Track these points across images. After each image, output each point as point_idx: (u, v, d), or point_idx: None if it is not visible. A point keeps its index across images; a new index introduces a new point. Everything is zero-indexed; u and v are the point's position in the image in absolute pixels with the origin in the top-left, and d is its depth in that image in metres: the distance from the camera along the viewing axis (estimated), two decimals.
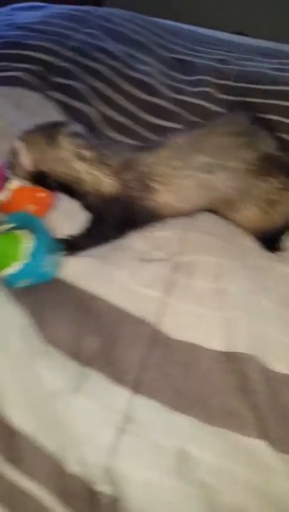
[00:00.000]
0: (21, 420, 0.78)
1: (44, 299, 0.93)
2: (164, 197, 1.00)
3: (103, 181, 0.98)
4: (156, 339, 0.89)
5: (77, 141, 0.98)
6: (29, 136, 0.99)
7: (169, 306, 0.94)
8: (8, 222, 0.96)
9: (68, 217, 1.06)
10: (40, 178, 1.00)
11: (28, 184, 1.02)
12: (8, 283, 0.91)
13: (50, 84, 1.42)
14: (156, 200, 1.00)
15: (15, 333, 0.86)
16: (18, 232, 0.93)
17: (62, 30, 1.59)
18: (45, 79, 1.42)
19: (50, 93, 1.39)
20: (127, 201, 0.99)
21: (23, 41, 1.53)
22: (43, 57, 1.48)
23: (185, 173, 0.98)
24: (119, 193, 0.99)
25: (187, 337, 0.89)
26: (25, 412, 0.79)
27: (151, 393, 0.82)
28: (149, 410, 0.81)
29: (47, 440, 0.77)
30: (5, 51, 1.50)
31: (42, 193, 1.04)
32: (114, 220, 1.02)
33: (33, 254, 0.90)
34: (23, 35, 1.56)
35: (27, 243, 0.91)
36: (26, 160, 0.98)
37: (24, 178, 1.01)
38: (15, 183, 1.03)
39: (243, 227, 1.09)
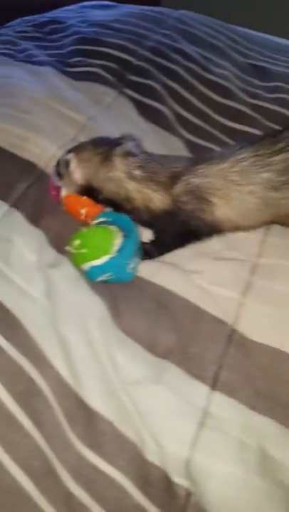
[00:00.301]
0: (101, 405, 0.83)
1: (121, 292, 0.98)
2: (223, 211, 1.02)
3: (153, 198, 1.03)
4: (234, 339, 0.93)
5: (131, 160, 1.03)
6: (84, 151, 1.05)
7: (247, 307, 0.97)
8: (100, 217, 1.01)
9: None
10: (89, 192, 1.06)
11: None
12: (90, 275, 0.97)
13: (126, 81, 1.48)
14: (214, 213, 1.02)
15: (94, 321, 0.91)
16: (114, 227, 0.98)
17: (139, 30, 1.67)
18: (121, 76, 1.49)
19: (126, 91, 1.45)
20: (180, 215, 1.03)
21: (100, 38, 1.60)
22: (120, 55, 1.55)
23: (247, 189, 1.00)
24: (171, 207, 1.02)
25: (268, 341, 0.92)
26: (105, 397, 0.84)
27: (230, 391, 0.86)
28: (228, 408, 0.84)
29: (126, 427, 0.82)
30: (81, 47, 1.58)
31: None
32: (172, 233, 1.06)
33: (122, 251, 0.95)
34: (99, 32, 1.64)
35: (118, 239, 0.96)
36: (78, 175, 1.04)
37: (73, 190, 1.07)
38: (63, 192, 1.08)
39: None
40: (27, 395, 0.82)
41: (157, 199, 1.02)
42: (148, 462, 0.80)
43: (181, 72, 1.52)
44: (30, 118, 1.22)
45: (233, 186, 1.00)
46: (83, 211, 1.06)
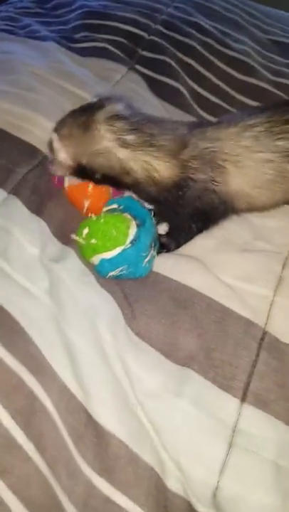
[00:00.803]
0: (113, 422, 0.72)
1: (135, 289, 0.87)
2: (237, 180, 0.88)
3: (155, 166, 0.86)
4: (265, 342, 0.82)
5: (118, 124, 0.85)
6: (63, 126, 0.88)
7: (280, 306, 0.86)
8: (111, 203, 0.90)
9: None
10: (83, 172, 0.90)
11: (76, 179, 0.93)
12: (100, 269, 0.85)
13: (138, 57, 1.36)
14: (229, 183, 0.88)
15: (105, 323, 0.80)
16: (127, 215, 0.86)
17: (151, 3, 1.54)
18: (132, 52, 1.37)
19: (137, 67, 1.33)
20: (190, 188, 0.87)
21: (109, 12, 1.48)
22: (131, 29, 1.42)
23: (262, 157, 0.88)
24: (181, 176, 0.87)
25: None
26: (117, 413, 0.73)
27: (263, 404, 0.75)
28: (261, 423, 0.73)
29: (143, 449, 0.71)
30: (88, 21, 1.45)
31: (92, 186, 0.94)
32: (184, 214, 0.91)
33: (136, 242, 0.83)
34: (107, 6, 1.52)
35: (133, 228, 0.83)
36: (63, 155, 0.88)
37: (65, 174, 0.92)
38: (67, 181, 0.94)
39: None
40: (27, 411, 0.70)
41: (162, 167, 0.86)
42: (168, 490, 0.69)
43: (198, 47, 1.40)
44: (32, 96, 1.10)
45: (246, 153, 0.88)
46: (86, 203, 0.93)
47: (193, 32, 1.44)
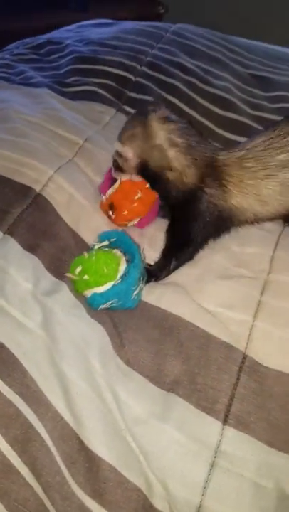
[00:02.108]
0: (103, 448, 0.75)
1: (124, 319, 0.91)
2: (237, 199, 0.98)
3: (187, 171, 0.97)
4: (246, 366, 0.85)
5: (169, 126, 0.97)
6: (125, 132, 1.00)
7: (259, 330, 0.89)
8: (101, 240, 0.95)
9: (152, 246, 1.05)
10: (145, 170, 1.00)
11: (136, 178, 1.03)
12: (92, 302, 0.89)
13: (125, 98, 1.43)
14: (230, 202, 0.98)
15: (95, 353, 0.84)
16: (117, 251, 0.91)
17: (137, 46, 1.61)
18: (120, 93, 1.44)
19: (125, 108, 1.40)
20: (202, 199, 0.98)
21: (97, 56, 1.55)
22: (118, 72, 1.49)
23: (263, 174, 0.96)
24: (197, 186, 0.97)
25: (283, 366, 0.84)
26: (106, 440, 0.76)
27: (244, 426, 0.78)
28: (241, 445, 0.76)
29: (131, 471, 0.74)
30: (78, 66, 1.53)
31: (148, 186, 1.04)
32: (195, 215, 0.99)
33: (126, 278, 0.88)
34: (96, 51, 1.59)
35: (123, 265, 0.89)
36: (130, 155, 0.98)
37: (133, 172, 1.02)
38: (125, 177, 1.04)
39: None
40: (23, 439, 0.74)
41: (189, 173, 0.97)
42: (155, 510, 0.72)
43: (181, 86, 1.46)
44: (26, 142, 1.16)
45: (247, 173, 0.97)
46: (139, 194, 1.03)
47: (177, 72, 1.51)
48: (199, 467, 0.73)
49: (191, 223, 1.00)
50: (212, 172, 0.98)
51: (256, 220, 1.04)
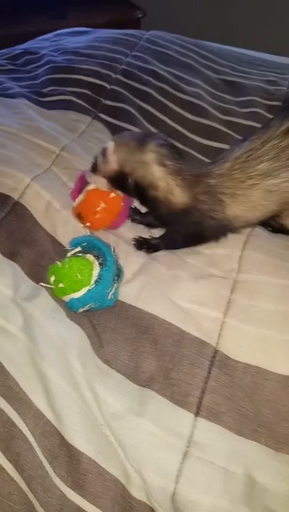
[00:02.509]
0: (83, 443, 0.79)
1: (102, 320, 0.95)
2: (232, 208, 1.04)
3: (175, 191, 1.02)
4: (216, 360, 0.89)
5: (164, 150, 1.02)
6: (122, 138, 1.06)
7: (230, 326, 0.94)
8: (73, 246, 0.98)
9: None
10: (119, 180, 1.05)
11: (103, 187, 1.08)
12: (71, 306, 0.93)
13: (101, 106, 1.47)
14: (226, 213, 1.04)
15: (74, 354, 0.87)
16: (90, 256, 0.95)
17: (111, 54, 1.66)
18: (95, 102, 1.48)
19: (101, 115, 1.44)
20: (194, 215, 1.04)
21: (73, 65, 1.59)
22: (93, 80, 1.53)
23: (248, 184, 1.02)
24: (190, 205, 1.03)
25: (251, 359, 0.88)
26: (86, 434, 0.80)
27: (215, 416, 0.82)
28: (212, 434, 0.81)
29: (110, 463, 0.78)
30: (54, 76, 1.56)
31: (113, 194, 1.09)
32: (182, 231, 1.07)
33: (100, 282, 0.92)
34: (72, 60, 1.63)
35: (96, 269, 0.93)
36: (113, 158, 1.03)
37: (106, 176, 1.06)
38: (91, 186, 1.09)
39: None
40: (6, 437, 0.77)
41: (178, 193, 1.02)
42: (133, 498, 0.76)
43: (154, 93, 1.51)
44: (4, 152, 1.19)
45: (236, 184, 1.02)
46: (102, 205, 1.07)
47: (150, 79, 1.56)
48: (173, 457, 0.77)
49: (179, 237, 1.08)
50: (206, 189, 1.03)
51: (246, 225, 1.11)
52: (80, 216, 1.09)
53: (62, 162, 1.23)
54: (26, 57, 1.71)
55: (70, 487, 0.76)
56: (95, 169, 1.07)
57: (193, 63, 1.69)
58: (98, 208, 1.08)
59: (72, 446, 0.78)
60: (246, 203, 1.03)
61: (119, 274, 0.98)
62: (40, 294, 0.96)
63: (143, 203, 1.10)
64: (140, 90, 1.52)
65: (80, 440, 0.79)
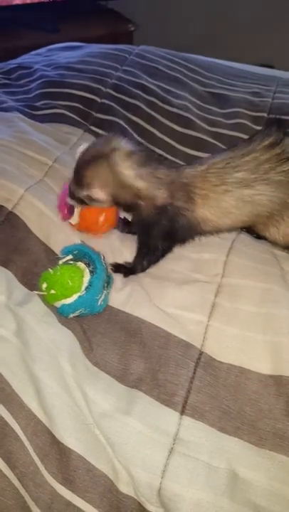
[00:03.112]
0: (73, 442, 0.82)
1: (92, 324, 0.99)
2: (202, 210, 1.06)
3: (156, 195, 1.04)
4: (201, 361, 0.93)
5: (133, 159, 1.02)
6: (93, 171, 1.03)
7: (214, 329, 0.97)
8: (65, 254, 1.02)
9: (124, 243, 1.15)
10: (117, 202, 1.08)
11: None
12: (62, 312, 0.97)
13: (92, 119, 1.51)
14: (196, 212, 1.06)
15: (65, 357, 0.91)
16: (80, 264, 0.98)
17: (102, 69, 1.70)
18: (86, 115, 1.52)
19: (92, 128, 1.49)
20: (173, 211, 1.05)
21: (64, 80, 1.64)
22: (84, 94, 1.58)
23: (222, 189, 1.04)
24: (168, 201, 1.05)
25: (234, 360, 0.92)
26: (76, 433, 0.83)
27: (199, 415, 0.86)
28: (197, 432, 0.84)
29: (98, 460, 0.81)
30: (47, 90, 1.61)
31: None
32: (159, 231, 1.07)
33: (90, 289, 0.95)
34: (64, 74, 1.67)
35: (86, 276, 0.96)
36: (101, 195, 1.04)
37: (109, 206, 1.09)
38: (77, 209, 1.12)
39: (281, 244, 1.14)
40: None
41: (160, 196, 1.04)
42: (121, 493, 0.79)
43: (143, 106, 1.55)
44: None
45: (210, 187, 1.04)
46: (102, 217, 1.11)
47: (139, 93, 1.60)
48: (159, 453, 0.81)
49: (158, 233, 1.08)
50: (179, 186, 1.05)
51: (216, 231, 1.12)
52: (87, 230, 1.14)
53: (55, 173, 1.27)
54: (20, 72, 1.76)
55: (60, 483, 0.79)
56: (73, 196, 1.07)
57: (180, 76, 1.74)
58: (101, 219, 1.12)
59: (62, 444, 0.82)
60: (217, 207, 1.05)
61: (108, 281, 1.01)
62: (32, 300, 0.99)
63: (127, 210, 1.12)
64: (130, 103, 1.57)
65: (70, 438, 0.82)
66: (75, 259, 1.01)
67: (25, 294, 1.01)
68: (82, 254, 1.01)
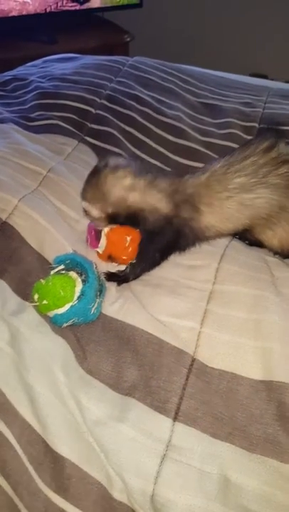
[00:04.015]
0: (67, 450, 0.83)
1: (86, 333, 0.99)
2: (207, 218, 1.08)
3: (158, 206, 1.05)
4: (194, 368, 0.93)
5: (122, 173, 1.04)
6: (87, 193, 1.08)
7: (206, 335, 0.98)
8: (57, 263, 1.02)
9: None
10: (114, 218, 1.09)
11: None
12: (55, 321, 0.97)
13: (87, 130, 1.53)
14: (200, 220, 1.07)
15: (58, 366, 0.92)
16: (72, 273, 0.99)
17: (96, 80, 1.73)
18: (81, 125, 1.54)
19: (87, 138, 1.50)
20: (179, 223, 1.07)
21: (59, 91, 1.66)
22: (79, 105, 1.59)
23: (224, 195, 1.06)
24: (173, 212, 1.06)
25: (226, 366, 0.92)
26: (70, 441, 0.84)
27: (192, 421, 0.86)
28: (189, 438, 0.84)
29: (92, 468, 0.82)
30: (42, 101, 1.63)
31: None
32: (164, 241, 1.09)
33: (83, 298, 0.96)
34: (58, 86, 1.69)
35: (78, 286, 0.97)
36: (95, 212, 1.07)
37: (105, 225, 1.11)
38: (106, 228, 1.13)
39: (275, 247, 1.15)
40: None
41: (163, 206, 1.05)
42: (114, 500, 0.80)
43: (137, 117, 1.57)
44: None
45: (214, 194, 1.06)
46: (128, 238, 1.11)
47: (133, 103, 1.62)
48: (152, 460, 0.81)
49: (162, 242, 1.09)
50: (184, 197, 1.06)
51: (218, 236, 1.14)
52: (111, 258, 1.14)
53: (50, 183, 1.28)
54: (15, 84, 1.78)
55: (54, 491, 0.79)
56: (89, 215, 1.10)
57: (174, 87, 1.76)
58: (127, 243, 1.12)
59: (56, 452, 0.82)
60: (221, 213, 1.07)
61: (101, 289, 1.02)
62: (26, 310, 1.00)
63: (135, 224, 1.11)
64: (124, 114, 1.58)
65: (63, 447, 0.83)
66: (67, 268, 1.01)
67: (19, 303, 1.02)
68: (75, 264, 1.02)
